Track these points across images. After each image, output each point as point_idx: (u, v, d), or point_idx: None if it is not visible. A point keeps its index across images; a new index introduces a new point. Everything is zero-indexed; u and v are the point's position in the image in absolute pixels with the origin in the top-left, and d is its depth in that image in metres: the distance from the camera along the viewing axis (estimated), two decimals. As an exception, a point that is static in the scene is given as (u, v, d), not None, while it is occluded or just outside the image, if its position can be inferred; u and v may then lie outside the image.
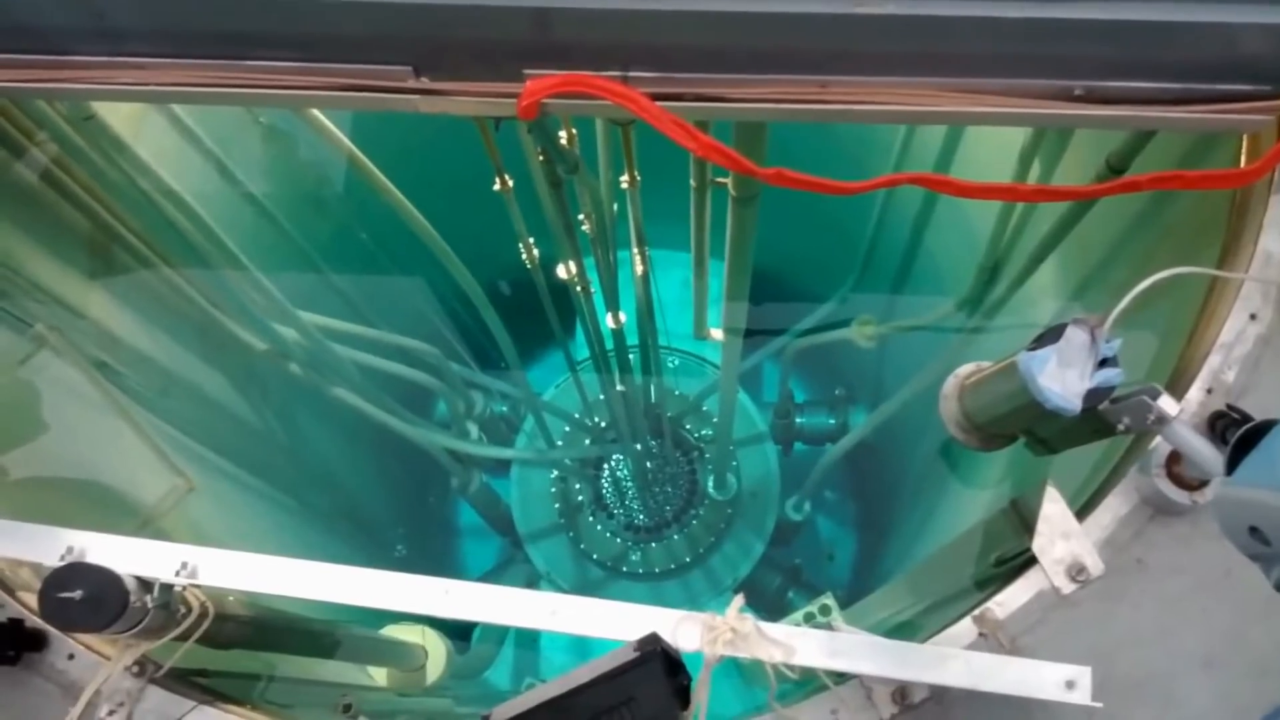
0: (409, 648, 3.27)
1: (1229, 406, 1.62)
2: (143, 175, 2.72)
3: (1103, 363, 1.46)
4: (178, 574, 1.57)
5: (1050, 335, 1.48)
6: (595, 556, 5.48)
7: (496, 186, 2.90)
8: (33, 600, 1.83)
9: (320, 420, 4.10)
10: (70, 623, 1.59)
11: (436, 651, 3.42)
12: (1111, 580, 1.71)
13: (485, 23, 1.55)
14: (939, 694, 1.66)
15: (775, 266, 4.08)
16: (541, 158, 2.50)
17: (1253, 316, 1.86)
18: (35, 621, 1.84)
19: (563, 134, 2.54)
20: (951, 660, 1.49)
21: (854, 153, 3.15)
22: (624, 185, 2.95)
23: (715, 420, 5.49)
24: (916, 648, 1.55)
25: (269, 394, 3.72)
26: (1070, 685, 1.42)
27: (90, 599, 1.51)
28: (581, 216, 2.95)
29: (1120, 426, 1.51)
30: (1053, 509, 1.72)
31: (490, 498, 5.35)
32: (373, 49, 1.63)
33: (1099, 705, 1.41)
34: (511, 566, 5.58)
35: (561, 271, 3.25)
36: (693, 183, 2.78)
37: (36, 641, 1.84)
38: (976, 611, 1.75)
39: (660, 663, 1.28)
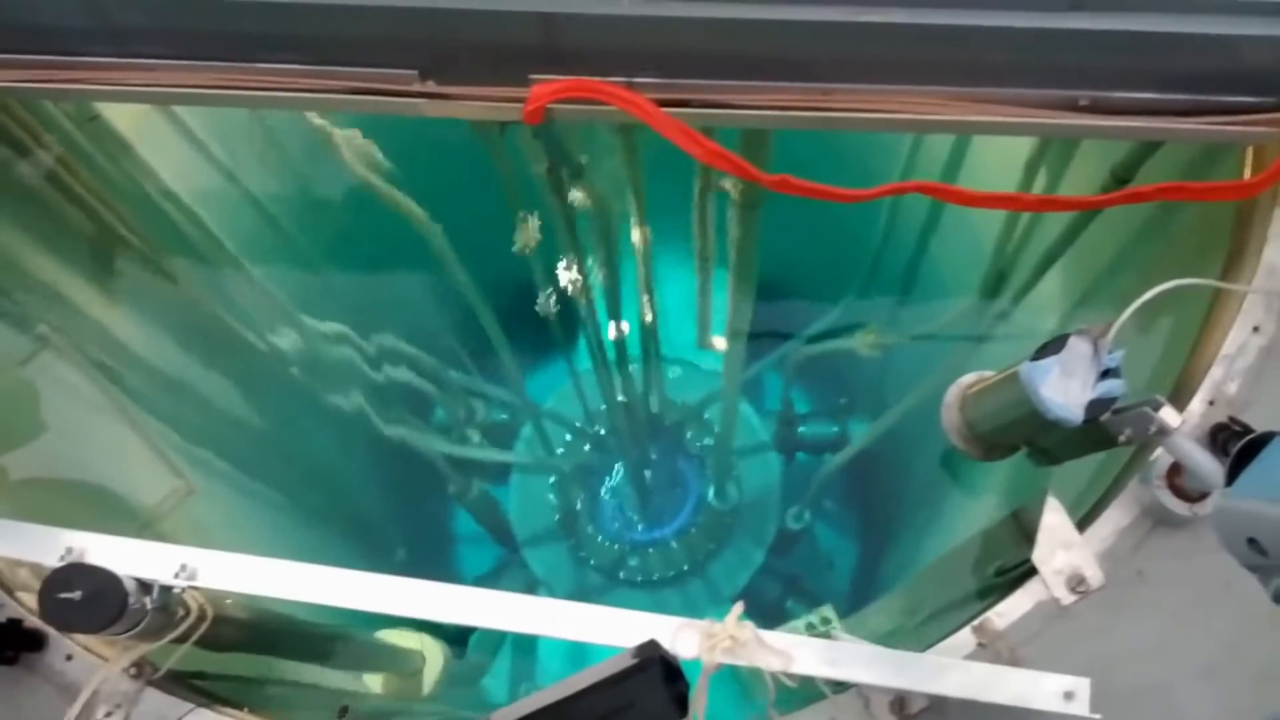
0: (405, 653, 3.26)
1: (1230, 419, 1.62)
2: (146, 177, 2.73)
3: (1105, 374, 1.47)
4: (177, 576, 1.56)
5: (1053, 346, 1.48)
6: (593, 563, 5.46)
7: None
8: (32, 600, 1.83)
9: (320, 424, 4.09)
10: (69, 623, 1.59)
11: (433, 657, 3.40)
12: (1111, 591, 1.71)
13: (492, 27, 1.55)
14: (937, 704, 1.65)
15: (779, 274, 4.08)
16: (545, 163, 2.50)
17: (1255, 329, 1.85)
18: (34, 621, 1.84)
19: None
20: (950, 670, 1.49)
21: (859, 160, 3.15)
22: (628, 191, 2.94)
23: (716, 429, 5.48)
24: (915, 657, 1.55)
25: (269, 397, 3.71)
26: (1069, 696, 1.42)
27: (89, 600, 1.50)
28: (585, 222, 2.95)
29: (1122, 438, 1.51)
30: (1053, 519, 1.71)
31: (488, 504, 5.34)
32: (379, 52, 1.64)
33: (1098, 717, 1.40)
34: (509, 572, 5.55)
35: (563, 277, 3.25)
36: (697, 189, 2.78)
37: (35, 642, 1.84)
38: (976, 621, 1.74)
39: (659, 669, 1.28)
